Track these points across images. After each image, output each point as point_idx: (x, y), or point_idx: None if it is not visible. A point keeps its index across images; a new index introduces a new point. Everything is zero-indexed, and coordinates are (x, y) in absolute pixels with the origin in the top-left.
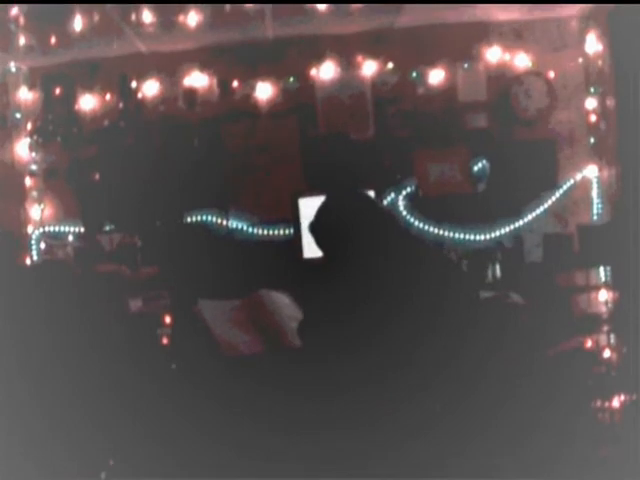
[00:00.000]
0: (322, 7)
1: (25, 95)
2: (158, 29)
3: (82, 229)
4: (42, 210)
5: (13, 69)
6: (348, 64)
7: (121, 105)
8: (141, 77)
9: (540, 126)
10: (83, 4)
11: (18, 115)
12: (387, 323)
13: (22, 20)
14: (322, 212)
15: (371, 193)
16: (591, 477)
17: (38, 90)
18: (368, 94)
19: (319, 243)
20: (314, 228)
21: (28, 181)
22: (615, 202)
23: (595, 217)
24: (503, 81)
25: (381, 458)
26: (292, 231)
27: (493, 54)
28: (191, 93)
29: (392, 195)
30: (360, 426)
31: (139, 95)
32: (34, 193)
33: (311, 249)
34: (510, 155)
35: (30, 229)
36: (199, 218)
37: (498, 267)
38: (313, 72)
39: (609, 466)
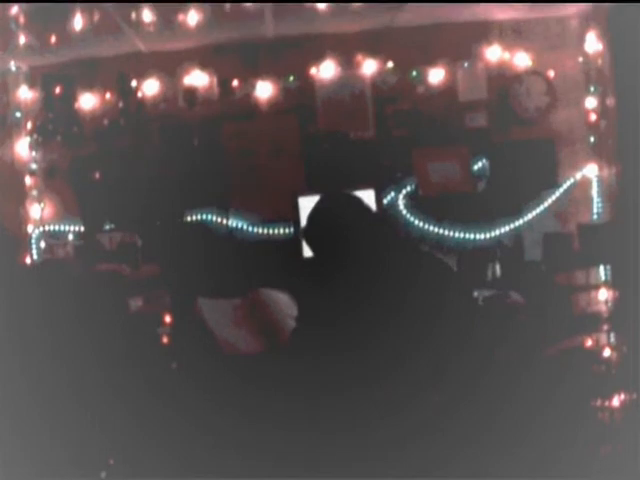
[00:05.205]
0: (322, 6)
1: (25, 94)
2: (158, 28)
3: (82, 228)
4: (42, 209)
5: (13, 68)
6: (348, 63)
7: (121, 104)
8: (141, 76)
9: (540, 125)
10: (83, 3)
11: (18, 114)
12: (387, 323)
13: (22, 19)
14: (312, 217)
15: (371, 192)
16: (591, 476)
17: (38, 89)
18: (368, 93)
19: (312, 249)
20: (306, 234)
21: (28, 180)
22: (615, 201)
23: (595, 216)
24: (503, 80)
25: (381, 458)
26: (292, 230)
27: (493, 53)
28: (191, 92)
29: (392, 194)
30: (360, 425)
31: (139, 94)
32: (34, 192)
33: None
34: (510, 154)
35: (30, 228)
36: (199, 217)
37: (498, 266)
38: (313, 71)
39: (609, 465)
